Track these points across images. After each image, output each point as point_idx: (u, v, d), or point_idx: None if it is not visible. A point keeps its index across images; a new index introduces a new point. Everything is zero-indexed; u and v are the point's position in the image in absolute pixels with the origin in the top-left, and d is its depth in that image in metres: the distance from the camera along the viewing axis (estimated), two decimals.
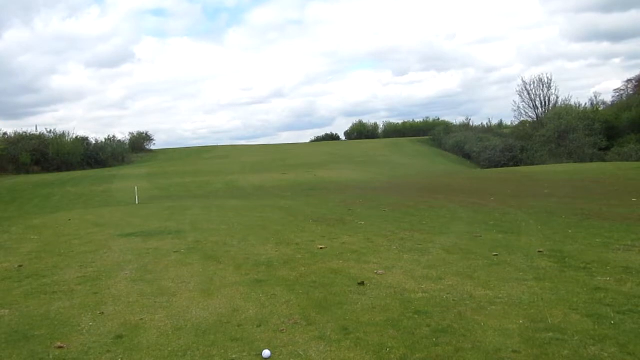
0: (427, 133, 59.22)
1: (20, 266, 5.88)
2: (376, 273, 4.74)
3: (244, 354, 2.87)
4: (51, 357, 3.05)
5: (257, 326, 3.32)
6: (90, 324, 3.60)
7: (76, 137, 39.62)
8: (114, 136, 49.58)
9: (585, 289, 3.94)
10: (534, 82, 48.66)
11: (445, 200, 13.41)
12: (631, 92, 44.21)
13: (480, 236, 6.94)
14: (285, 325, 3.34)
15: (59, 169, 34.56)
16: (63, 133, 38.88)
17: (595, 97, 50.95)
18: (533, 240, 6.53)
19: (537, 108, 48.19)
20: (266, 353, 2.80)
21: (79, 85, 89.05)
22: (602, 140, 37.66)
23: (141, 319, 3.59)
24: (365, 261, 5.32)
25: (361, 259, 5.47)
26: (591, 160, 33.61)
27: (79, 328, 3.52)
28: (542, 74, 56.78)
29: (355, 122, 73.75)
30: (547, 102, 48.06)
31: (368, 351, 2.84)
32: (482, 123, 59.34)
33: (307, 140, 71.53)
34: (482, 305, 3.60)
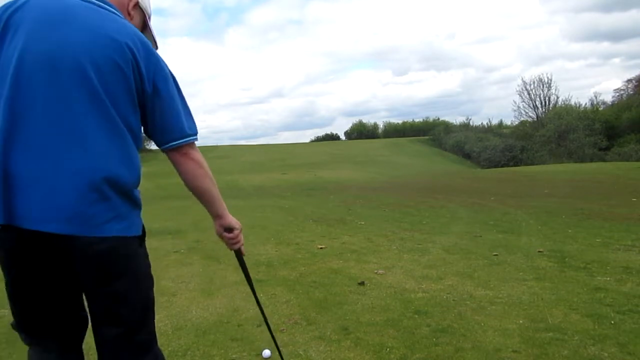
0: (427, 133, 59.21)
1: None
2: (376, 273, 4.73)
3: (244, 353, 2.87)
4: None
5: (257, 326, 3.32)
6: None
7: None
8: None
9: (585, 289, 3.94)
10: (534, 82, 48.68)
11: (445, 200, 13.41)
12: (631, 92, 44.21)
13: (480, 236, 6.94)
14: (285, 325, 3.34)
15: None
16: None
17: (595, 97, 51.00)
18: (533, 240, 6.53)
19: (537, 108, 48.21)
20: (266, 353, 2.80)
21: None
22: (602, 140, 37.62)
23: None
24: (365, 261, 5.32)
25: (361, 258, 5.46)
26: (591, 160, 33.60)
27: None
28: (542, 74, 56.86)
29: (355, 122, 73.66)
30: (547, 102, 48.07)
31: (368, 351, 2.84)
32: (482, 123, 59.46)
33: (307, 140, 71.54)
34: (482, 305, 3.60)
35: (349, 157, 42.02)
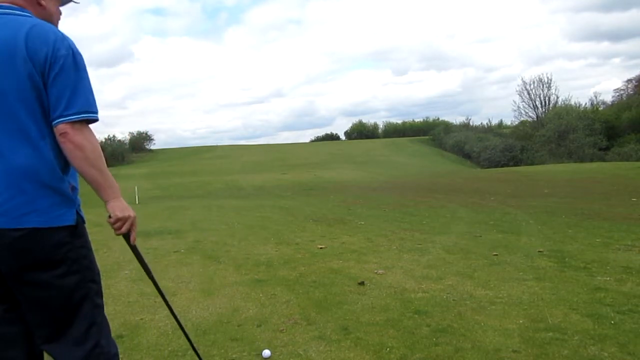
0: (427, 133, 59.26)
1: None
2: (376, 273, 4.73)
3: (244, 353, 2.87)
4: None
5: (257, 326, 3.32)
6: None
7: None
8: (113, 136, 49.67)
9: (585, 289, 3.94)
10: (534, 82, 48.73)
11: (445, 200, 13.43)
12: (631, 92, 44.25)
13: (480, 236, 6.94)
14: (285, 325, 3.34)
15: None
16: None
17: (595, 97, 51.02)
18: (533, 240, 6.53)
19: (537, 108, 48.25)
20: (266, 353, 2.80)
21: None
22: (602, 140, 37.62)
23: (141, 319, 3.60)
24: (365, 261, 5.32)
25: (361, 258, 5.46)
26: (591, 160, 33.61)
27: None
28: (542, 74, 56.90)
29: (355, 121, 73.63)
30: (547, 102, 48.12)
31: (368, 351, 2.84)
32: (482, 123, 59.56)
33: (307, 140, 71.54)
34: (482, 305, 3.60)
35: (349, 157, 42.07)
